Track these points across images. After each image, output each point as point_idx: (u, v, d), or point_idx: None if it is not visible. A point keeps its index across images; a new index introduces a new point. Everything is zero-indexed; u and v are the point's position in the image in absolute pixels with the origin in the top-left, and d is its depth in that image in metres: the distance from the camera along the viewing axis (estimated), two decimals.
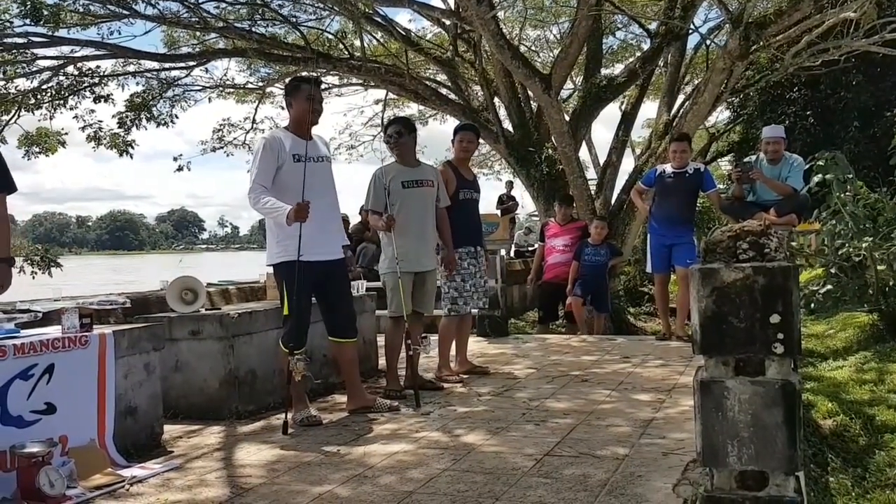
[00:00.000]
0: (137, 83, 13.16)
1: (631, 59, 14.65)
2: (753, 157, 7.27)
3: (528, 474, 3.33)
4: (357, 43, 13.05)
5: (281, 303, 4.50)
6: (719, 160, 19.37)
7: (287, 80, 7.08)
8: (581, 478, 3.24)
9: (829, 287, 7.96)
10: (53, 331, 3.75)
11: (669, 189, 7.30)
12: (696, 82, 13.22)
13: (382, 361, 5.81)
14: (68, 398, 3.57)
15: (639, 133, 20.18)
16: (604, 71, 13.39)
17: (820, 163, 8.33)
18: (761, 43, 8.98)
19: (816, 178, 8.44)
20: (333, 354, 4.92)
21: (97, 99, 12.06)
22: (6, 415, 3.30)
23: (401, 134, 5.38)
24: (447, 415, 4.60)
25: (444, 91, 13.70)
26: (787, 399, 2.13)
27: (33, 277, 9.94)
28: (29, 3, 10.00)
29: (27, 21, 10.43)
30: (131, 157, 12.65)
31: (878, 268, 7.17)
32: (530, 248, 14.69)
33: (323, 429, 4.36)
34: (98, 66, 12.31)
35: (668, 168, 7.39)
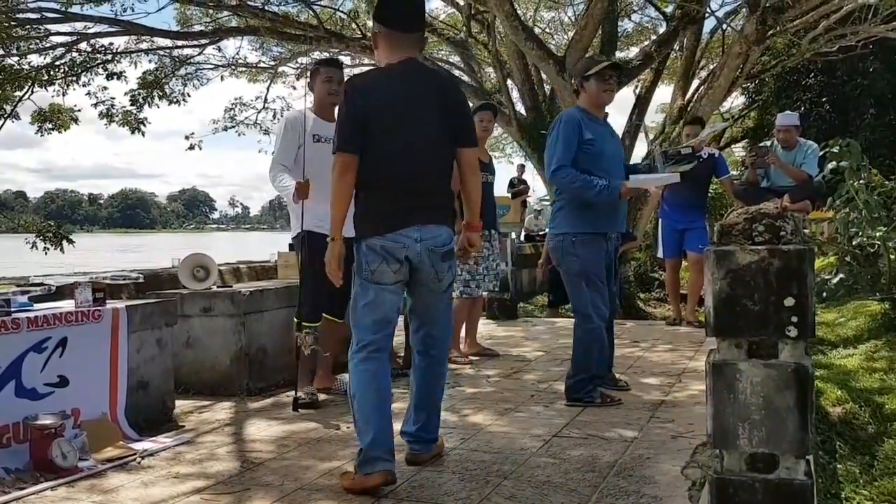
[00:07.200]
0: (150, 61, 13.15)
1: (646, 43, 14.50)
2: (769, 143, 7.21)
3: (536, 454, 3.34)
4: (370, 23, 12.97)
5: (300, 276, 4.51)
6: (733, 146, 19.23)
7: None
8: (589, 459, 3.25)
9: (842, 276, 7.90)
10: (67, 304, 3.79)
11: (682, 173, 7.23)
12: (712, 67, 13.07)
13: None
14: (81, 372, 3.60)
15: (652, 118, 19.99)
16: (618, 54, 13.27)
17: (834, 150, 8.25)
18: (778, 28, 8.88)
19: (830, 166, 8.37)
20: (322, 331, 4.66)
21: (110, 76, 12.01)
22: (20, 387, 3.33)
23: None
24: (456, 395, 4.62)
25: (456, 73, 13.63)
26: (800, 382, 2.12)
27: (45, 253, 9.96)
28: None
29: None
30: (143, 135, 12.64)
31: (892, 257, 7.11)
32: (540, 233, 14.65)
33: (332, 406, 4.39)
34: (111, 43, 12.28)
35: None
